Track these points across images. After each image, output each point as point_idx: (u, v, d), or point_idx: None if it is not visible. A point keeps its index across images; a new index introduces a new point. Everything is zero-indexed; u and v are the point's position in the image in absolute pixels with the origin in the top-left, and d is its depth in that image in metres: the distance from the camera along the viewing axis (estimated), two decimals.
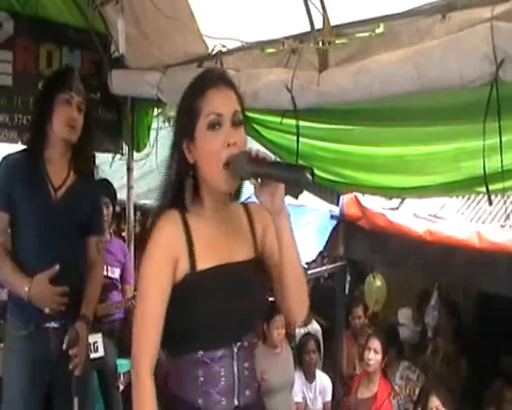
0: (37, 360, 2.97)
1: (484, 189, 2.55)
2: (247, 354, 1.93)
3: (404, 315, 6.97)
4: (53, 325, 2.99)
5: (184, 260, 1.86)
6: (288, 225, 1.86)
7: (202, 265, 1.86)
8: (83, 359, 3.01)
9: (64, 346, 2.92)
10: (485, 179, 2.42)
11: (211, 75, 1.94)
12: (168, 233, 1.87)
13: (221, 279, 1.87)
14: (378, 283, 6.89)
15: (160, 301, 1.84)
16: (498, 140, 2.29)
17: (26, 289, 2.88)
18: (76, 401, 2.95)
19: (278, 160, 1.80)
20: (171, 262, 1.84)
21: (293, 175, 1.70)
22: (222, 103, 1.84)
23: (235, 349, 1.89)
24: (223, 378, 1.87)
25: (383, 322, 6.86)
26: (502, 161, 2.32)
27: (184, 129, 1.88)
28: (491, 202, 2.61)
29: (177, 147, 1.90)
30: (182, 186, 1.90)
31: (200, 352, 1.86)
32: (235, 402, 1.89)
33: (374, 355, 4.92)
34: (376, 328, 6.24)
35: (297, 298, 1.97)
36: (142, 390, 1.82)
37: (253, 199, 1.90)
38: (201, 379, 1.87)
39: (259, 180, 1.79)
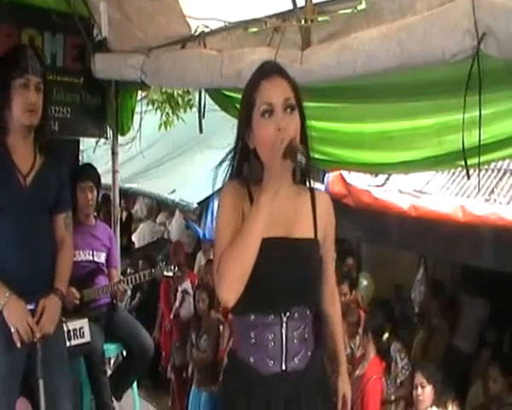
0: (15, 344, 2.87)
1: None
2: (297, 324, 2.07)
3: None
4: (28, 307, 2.92)
5: None
6: None
7: None
8: (46, 330, 2.93)
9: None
10: (464, 153, 2.45)
11: (265, 68, 2.10)
12: (236, 190, 2.06)
13: (274, 250, 1.99)
14: (365, 282, 6.90)
15: None
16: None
17: (3, 302, 2.84)
18: (41, 383, 2.90)
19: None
20: (240, 210, 2.03)
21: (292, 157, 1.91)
22: (273, 93, 2.00)
23: (284, 318, 2.04)
24: (271, 343, 2.03)
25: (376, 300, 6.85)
26: (479, 135, 2.35)
27: (244, 118, 2.06)
28: (469, 176, 2.64)
29: (238, 134, 2.09)
30: (241, 171, 2.10)
31: (252, 316, 2.03)
32: (283, 367, 2.05)
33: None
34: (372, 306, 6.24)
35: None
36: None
37: None
38: (253, 341, 2.05)
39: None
